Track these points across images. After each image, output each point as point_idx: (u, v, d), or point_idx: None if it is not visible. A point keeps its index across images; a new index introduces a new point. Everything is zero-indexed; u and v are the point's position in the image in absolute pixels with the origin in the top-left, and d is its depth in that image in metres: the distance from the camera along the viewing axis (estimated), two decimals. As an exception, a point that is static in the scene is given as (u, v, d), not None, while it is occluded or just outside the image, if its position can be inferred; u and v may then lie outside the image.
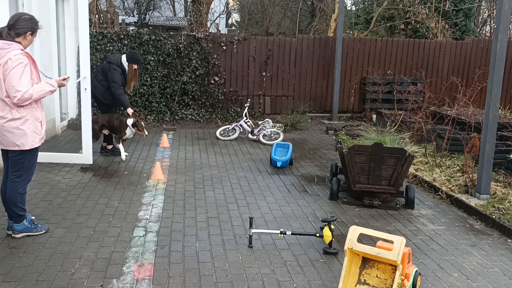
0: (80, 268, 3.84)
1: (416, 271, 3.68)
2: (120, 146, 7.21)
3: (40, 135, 4.24)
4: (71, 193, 5.68)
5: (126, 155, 7.27)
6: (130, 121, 7.11)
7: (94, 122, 7.03)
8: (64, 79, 4.38)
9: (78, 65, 8.22)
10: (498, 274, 4.05)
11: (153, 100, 10.77)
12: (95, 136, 7.15)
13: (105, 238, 4.44)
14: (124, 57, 7.30)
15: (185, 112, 10.94)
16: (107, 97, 7.34)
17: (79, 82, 7.08)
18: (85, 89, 6.67)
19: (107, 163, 7.09)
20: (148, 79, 10.64)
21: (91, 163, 6.96)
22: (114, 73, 7.12)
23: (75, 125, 9.39)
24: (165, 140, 8.48)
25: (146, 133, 7.23)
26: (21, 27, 4.09)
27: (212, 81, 11.09)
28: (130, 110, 7.32)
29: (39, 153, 4.40)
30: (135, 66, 7.40)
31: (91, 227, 4.68)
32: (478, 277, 3.99)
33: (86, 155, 6.92)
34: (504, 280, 3.95)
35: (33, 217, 4.55)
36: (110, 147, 7.58)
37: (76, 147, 7.63)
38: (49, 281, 3.62)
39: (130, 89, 7.51)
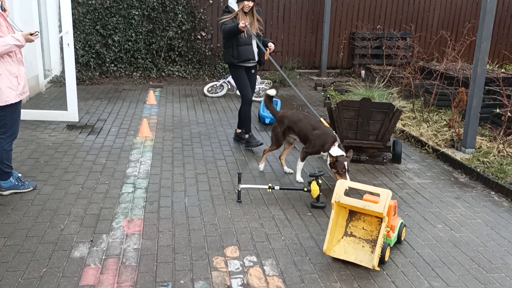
0: (69, 224, 3.86)
1: (402, 223, 3.76)
2: (299, 165, 4.97)
3: (16, 90, 4.12)
4: (58, 150, 5.63)
5: (300, 181, 4.95)
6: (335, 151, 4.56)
7: (278, 121, 5.08)
8: (31, 34, 4.15)
9: (60, 20, 7.97)
10: (480, 225, 4.16)
11: (139, 57, 10.55)
12: (276, 142, 5.08)
13: (94, 194, 4.45)
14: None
15: (171, 69, 10.76)
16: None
17: (61, 38, 6.88)
18: (68, 44, 6.50)
19: (93, 120, 7.01)
20: (133, 35, 10.38)
21: (77, 120, 6.87)
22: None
23: (59, 82, 9.21)
24: (151, 97, 8.38)
25: (348, 178, 4.45)
26: None
27: (199, 37, 10.86)
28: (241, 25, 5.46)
29: (24, 110, 4.31)
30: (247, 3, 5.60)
31: (79, 184, 4.67)
32: (461, 228, 4.09)
33: (71, 112, 6.83)
34: (486, 230, 4.06)
35: (20, 175, 4.52)
36: (247, 136, 6.07)
37: (62, 105, 7.50)
38: (39, 237, 3.64)
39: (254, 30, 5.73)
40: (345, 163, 4.41)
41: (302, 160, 4.93)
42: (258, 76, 9.32)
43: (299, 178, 4.95)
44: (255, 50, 5.78)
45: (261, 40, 5.75)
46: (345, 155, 4.52)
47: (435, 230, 4.02)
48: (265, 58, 5.77)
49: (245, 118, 6.01)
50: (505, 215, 4.36)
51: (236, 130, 6.27)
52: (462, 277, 3.34)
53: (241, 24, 5.40)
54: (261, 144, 5.93)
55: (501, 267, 3.49)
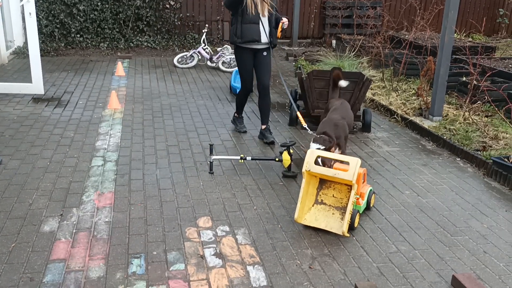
0: (37, 198, 3.79)
1: (371, 190, 3.85)
2: None
3: None
4: (24, 124, 5.48)
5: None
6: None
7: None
8: None
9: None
10: (446, 190, 4.29)
11: (106, 27, 10.24)
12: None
13: (62, 168, 4.37)
14: None
15: (140, 39, 10.51)
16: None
17: (22, 6, 6.60)
18: (30, 13, 6.24)
19: (60, 93, 6.82)
20: (99, 3, 10.04)
21: (43, 93, 6.67)
22: None
23: (22, 53, 8.88)
24: (120, 68, 8.19)
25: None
26: None
27: (168, 6, 10.58)
28: None
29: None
30: None
31: (47, 158, 4.57)
32: (428, 193, 4.21)
33: (36, 84, 6.62)
34: (451, 195, 4.20)
35: (-16, 150, 4.40)
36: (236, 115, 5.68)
37: (26, 77, 7.25)
38: (6, 212, 3.57)
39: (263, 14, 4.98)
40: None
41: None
42: (228, 47, 9.21)
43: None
44: (262, 30, 4.92)
45: (273, 18, 4.97)
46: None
47: (403, 196, 4.14)
48: (278, 36, 5.05)
49: (240, 102, 5.51)
50: (470, 180, 4.51)
51: (234, 113, 5.67)
52: (428, 241, 3.46)
53: None
54: (245, 131, 5.51)
55: (464, 230, 3.63)
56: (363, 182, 3.80)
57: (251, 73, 5.20)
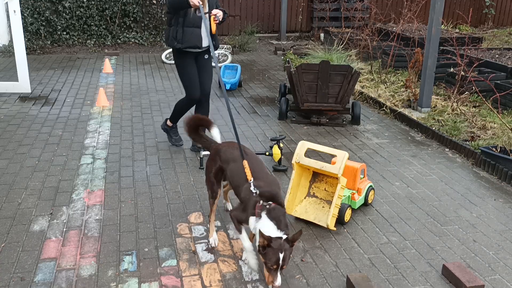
0: (27, 198, 3.76)
1: (370, 186, 3.82)
2: (241, 238, 2.98)
3: None
4: (11, 123, 5.42)
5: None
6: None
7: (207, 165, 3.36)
8: None
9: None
10: (435, 181, 4.33)
11: (92, 23, 10.13)
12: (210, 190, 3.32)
13: (51, 167, 4.33)
14: None
15: (127, 36, 10.42)
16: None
17: (7, 4, 6.51)
18: (14, 11, 6.16)
19: (47, 91, 6.75)
20: (85, 0, 9.93)
21: (30, 91, 6.60)
22: None
23: (8, 51, 8.77)
24: (107, 65, 8.12)
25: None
26: None
27: (154, 1, 10.50)
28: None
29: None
30: None
31: (35, 157, 4.53)
32: (418, 184, 4.24)
33: (23, 83, 6.54)
34: (440, 185, 4.23)
35: (-30, 150, 4.34)
36: (170, 124, 5.00)
37: (12, 75, 7.16)
38: (-5, 212, 3.54)
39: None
40: (281, 254, 2.58)
41: (238, 231, 2.94)
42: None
43: (247, 255, 2.90)
44: (204, 35, 4.46)
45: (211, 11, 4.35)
46: (283, 237, 2.65)
47: (393, 188, 4.16)
48: (213, 31, 4.36)
49: (179, 110, 4.82)
50: (459, 170, 4.55)
51: (166, 120, 4.99)
52: (418, 231, 3.49)
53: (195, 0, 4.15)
54: (181, 145, 4.90)
55: (454, 219, 3.66)
56: (363, 177, 3.80)
57: (196, 77, 4.63)
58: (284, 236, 2.64)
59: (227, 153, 3.17)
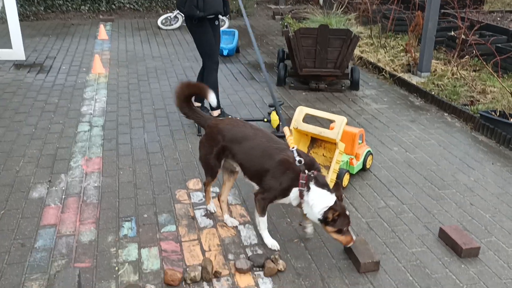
0: (24, 165, 3.75)
1: (368, 151, 3.81)
2: (261, 222, 2.92)
3: None
4: (6, 91, 5.36)
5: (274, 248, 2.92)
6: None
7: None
8: None
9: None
10: (434, 145, 4.32)
11: (86, -12, 9.91)
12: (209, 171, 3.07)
13: (48, 135, 4.31)
14: None
15: (122, 1, 10.20)
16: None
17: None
18: (5, -24, 5.99)
19: (42, 58, 6.66)
20: (77, -36, 9.68)
21: (24, 59, 6.51)
22: None
23: (0, 18, 8.59)
24: (102, 31, 7.98)
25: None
26: None
27: (149, -35, 10.25)
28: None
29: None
30: None
31: (32, 125, 4.50)
32: (416, 149, 4.24)
33: (17, 50, 6.44)
34: (439, 150, 4.23)
35: (-34, 118, 4.31)
36: (198, 104, 4.70)
37: (6, 42, 7.04)
38: (-7, 180, 3.54)
39: None
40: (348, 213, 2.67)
41: (262, 213, 2.85)
42: None
43: (269, 242, 2.89)
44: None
45: None
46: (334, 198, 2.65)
47: (391, 153, 4.16)
48: None
49: (215, 85, 4.57)
50: (457, 135, 4.54)
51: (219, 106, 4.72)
52: (416, 195, 3.50)
53: None
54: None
55: (452, 183, 3.67)
56: (361, 142, 3.79)
57: (215, 44, 4.55)
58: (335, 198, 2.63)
59: (234, 131, 2.89)
